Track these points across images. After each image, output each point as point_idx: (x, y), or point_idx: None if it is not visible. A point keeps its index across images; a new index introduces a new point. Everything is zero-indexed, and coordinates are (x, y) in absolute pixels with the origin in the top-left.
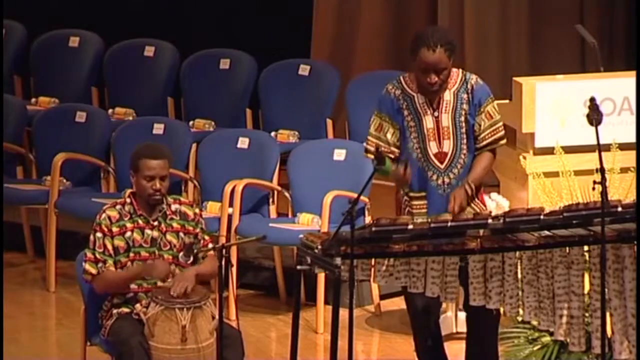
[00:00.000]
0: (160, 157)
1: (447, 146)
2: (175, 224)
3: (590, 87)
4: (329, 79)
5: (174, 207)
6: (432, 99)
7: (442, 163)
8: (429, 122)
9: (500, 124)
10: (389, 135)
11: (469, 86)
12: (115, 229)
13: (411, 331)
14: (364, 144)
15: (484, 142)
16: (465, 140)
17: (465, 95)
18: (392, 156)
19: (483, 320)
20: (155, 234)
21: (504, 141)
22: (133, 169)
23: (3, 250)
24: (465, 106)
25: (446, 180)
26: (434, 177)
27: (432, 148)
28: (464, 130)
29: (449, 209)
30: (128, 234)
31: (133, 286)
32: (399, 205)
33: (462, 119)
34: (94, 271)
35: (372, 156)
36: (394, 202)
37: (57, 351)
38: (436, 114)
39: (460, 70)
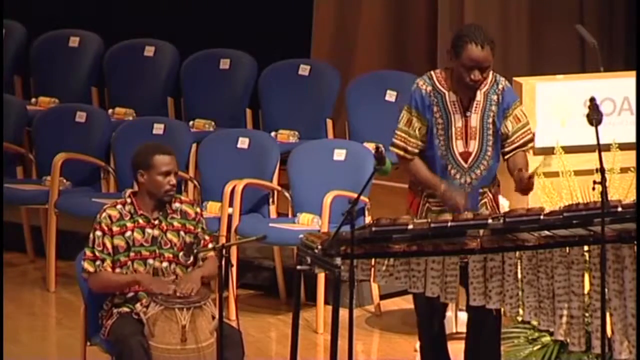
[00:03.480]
0: (172, 152)
1: (473, 146)
2: (176, 223)
3: (590, 87)
4: (329, 79)
5: (174, 205)
6: (464, 98)
7: (466, 162)
8: (457, 121)
9: (529, 127)
10: (416, 130)
11: (499, 88)
12: (115, 228)
13: (411, 331)
14: (393, 138)
15: (514, 145)
16: (491, 142)
17: (495, 97)
18: (417, 150)
19: (486, 323)
20: (156, 232)
21: (532, 143)
22: (143, 167)
23: (3, 250)
24: (494, 108)
25: (468, 180)
26: (457, 175)
27: (458, 147)
28: (490, 132)
29: (522, 183)
30: (128, 233)
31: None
32: (412, 201)
33: (490, 120)
34: (91, 269)
35: (400, 151)
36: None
37: (57, 351)
38: (467, 113)
39: (491, 71)
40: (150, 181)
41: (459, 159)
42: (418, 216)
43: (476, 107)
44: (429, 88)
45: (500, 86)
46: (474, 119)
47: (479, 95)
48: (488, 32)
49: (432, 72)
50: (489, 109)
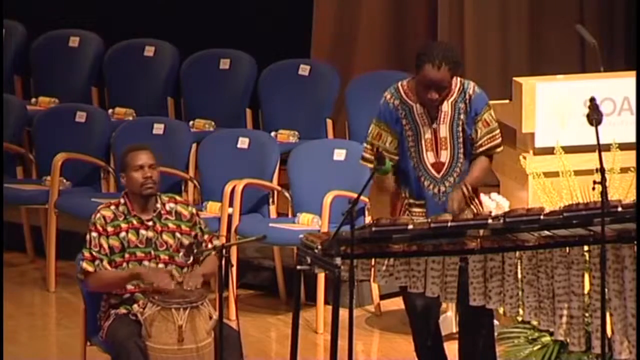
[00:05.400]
0: (144, 148)
1: (445, 156)
2: (170, 224)
3: (590, 87)
4: (329, 79)
5: (168, 206)
6: (431, 110)
7: (438, 172)
8: (427, 133)
9: (497, 131)
10: (387, 144)
11: (466, 96)
12: (110, 229)
13: (411, 331)
14: (362, 152)
15: (481, 149)
16: (462, 150)
17: (462, 105)
18: (392, 163)
19: (478, 322)
20: (150, 234)
21: (500, 149)
22: (122, 169)
23: (3, 250)
24: (462, 116)
25: (442, 188)
26: (431, 186)
27: (429, 158)
28: (461, 140)
29: (448, 209)
30: (122, 234)
31: (130, 287)
32: (395, 207)
33: (460, 128)
34: (91, 269)
35: (370, 164)
36: (389, 201)
37: (57, 351)
38: (434, 125)
39: (459, 79)
40: (128, 180)
41: (431, 169)
42: None
43: (444, 118)
44: (397, 102)
45: (467, 94)
46: (443, 130)
47: (447, 106)
48: (454, 50)
49: (399, 85)
50: (458, 117)
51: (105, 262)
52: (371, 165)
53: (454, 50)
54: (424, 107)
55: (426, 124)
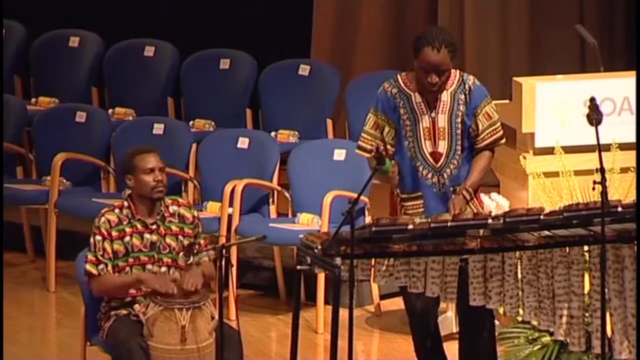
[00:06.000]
0: (153, 151)
1: (442, 146)
2: (174, 227)
3: (590, 87)
4: (329, 79)
5: (172, 209)
6: (429, 99)
7: (437, 162)
8: (425, 121)
9: (499, 124)
10: (385, 134)
11: (466, 87)
12: (114, 233)
13: (411, 331)
14: (359, 141)
15: (484, 143)
16: (460, 142)
17: (462, 97)
18: (387, 153)
19: (478, 323)
20: (154, 237)
21: (503, 140)
22: (128, 171)
23: (3, 250)
24: (462, 107)
25: (440, 180)
26: (429, 175)
27: (427, 147)
28: (459, 131)
29: (450, 212)
30: (127, 238)
31: (131, 290)
32: (394, 206)
33: (459, 120)
34: (94, 272)
35: (366, 154)
36: (389, 202)
37: (57, 351)
38: (433, 114)
39: (458, 71)
40: (138, 182)
41: (430, 159)
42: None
43: (443, 108)
44: (395, 90)
45: (467, 85)
46: (442, 120)
47: (446, 96)
48: (452, 35)
49: (398, 75)
50: (457, 108)
51: (109, 267)
52: (367, 155)
53: (451, 34)
54: (423, 96)
55: (424, 113)
